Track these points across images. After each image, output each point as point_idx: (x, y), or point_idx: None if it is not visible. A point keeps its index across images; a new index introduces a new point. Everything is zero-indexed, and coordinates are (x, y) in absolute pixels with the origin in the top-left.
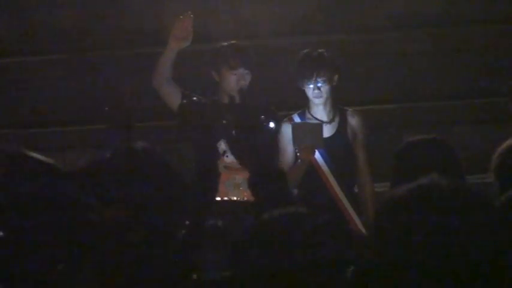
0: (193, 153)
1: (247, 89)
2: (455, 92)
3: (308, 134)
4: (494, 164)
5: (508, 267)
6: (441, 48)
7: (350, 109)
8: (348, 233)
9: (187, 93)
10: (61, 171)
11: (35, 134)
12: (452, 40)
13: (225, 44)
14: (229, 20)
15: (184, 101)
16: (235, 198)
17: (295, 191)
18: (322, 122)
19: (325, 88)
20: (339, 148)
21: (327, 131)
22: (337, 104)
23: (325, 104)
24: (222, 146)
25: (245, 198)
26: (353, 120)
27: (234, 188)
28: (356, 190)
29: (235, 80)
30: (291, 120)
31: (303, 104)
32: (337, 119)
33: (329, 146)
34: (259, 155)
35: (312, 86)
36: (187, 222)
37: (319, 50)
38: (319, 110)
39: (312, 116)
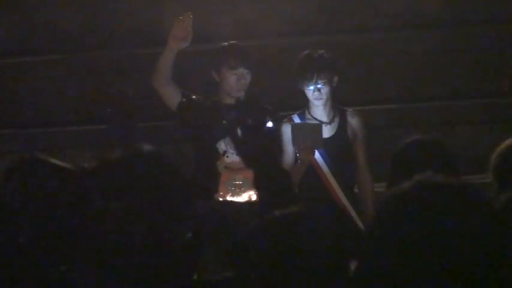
0: (193, 153)
1: (248, 89)
2: (456, 92)
3: (308, 134)
4: (493, 164)
5: (507, 266)
6: (441, 48)
7: (350, 109)
8: (350, 231)
9: (188, 93)
10: (77, 175)
11: (35, 134)
12: (452, 40)
13: (225, 44)
14: (229, 20)
15: (183, 100)
16: (235, 198)
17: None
18: (322, 122)
19: (325, 90)
20: (338, 148)
21: (327, 132)
22: (337, 104)
23: (325, 104)
24: (222, 146)
25: (245, 199)
26: (353, 121)
27: (234, 188)
28: (356, 190)
29: (235, 80)
30: (290, 120)
31: (302, 104)
32: (337, 120)
33: (329, 146)
34: (264, 154)
35: (312, 88)
36: (189, 235)
37: (319, 52)
38: (319, 111)
39: (312, 116)
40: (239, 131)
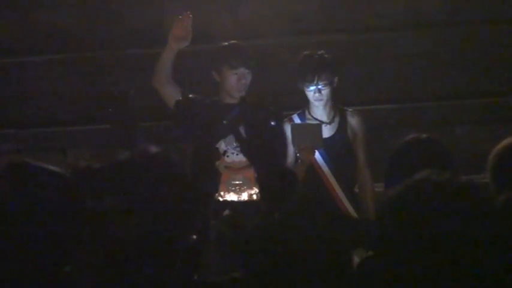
0: (192, 153)
1: (248, 89)
2: (456, 92)
3: (308, 134)
4: (490, 165)
5: (506, 264)
6: (441, 48)
7: (350, 109)
8: (352, 228)
9: (188, 92)
10: (66, 179)
11: (35, 134)
12: (453, 40)
13: (226, 43)
14: (230, 19)
15: (180, 99)
16: (236, 198)
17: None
18: (322, 122)
19: (326, 91)
20: (338, 148)
21: (327, 131)
22: (337, 104)
23: (325, 104)
24: (223, 146)
25: (246, 198)
26: (353, 120)
27: (234, 188)
28: (356, 190)
29: (236, 80)
30: (290, 120)
31: (302, 104)
32: (337, 119)
33: (329, 146)
34: (268, 153)
35: (313, 89)
36: (194, 237)
37: (320, 52)
38: (319, 111)
39: (312, 116)
40: (243, 130)
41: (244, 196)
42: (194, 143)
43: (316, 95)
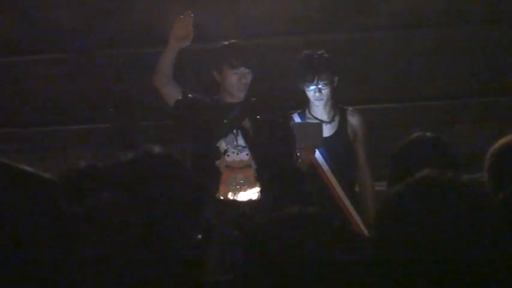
0: (192, 153)
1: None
2: (456, 92)
3: (308, 133)
4: (487, 164)
5: (505, 263)
6: (441, 48)
7: (350, 108)
8: (354, 235)
9: (188, 92)
10: (44, 180)
11: (35, 133)
12: (452, 40)
13: (226, 43)
14: (230, 19)
15: (180, 99)
16: (236, 197)
17: None
18: (322, 121)
19: (326, 90)
20: (339, 147)
21: (327, 131)
22: (337, 103)
23: (325, 104)
24: (223, 145)
25: (247, 197)
26: (353, 120)
27: (235, 187)
28: (357, 189)
29: (236, 79)
30: (291, 120)
31: (302, 103)
32: (337, 119)
33: (329, 146)
34: (277, 151)
35: (313, 88)
36: (199, 236)
37: (320, 52)
38: (319, 110)
39: (312, 115)
40: (251, 128)
41: (245, 195)
42: (194, 143)
43: (317, 94)
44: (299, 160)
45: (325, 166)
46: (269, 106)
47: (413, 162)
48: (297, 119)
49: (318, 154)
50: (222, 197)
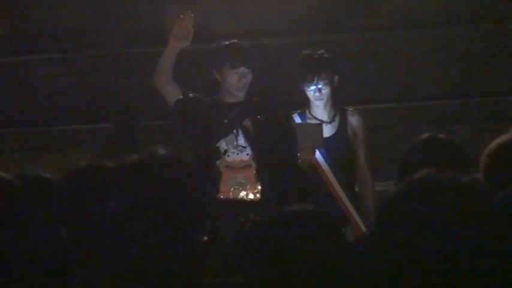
0: (192, 152)
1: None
2: (456, 92)
3: (308, 134)
4: (483, 164)
5: (504, 261)
6: (441, 48)
7: (350, 108)
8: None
9: (188, 92)
10: (13, 186)
11: (35, 133)
12: (452, 40)
13: (226, 43)
14: (230, 19)
15: (180, 98)
16: (237, 197)
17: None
18: (323, 121)
19: (326, 90)
20: (339, 147)
21: (327, 131)
22: (337, 103)
23: (325, 104)
24: (223, 145)
25: (247, 197)
26: (353, 120)
27: (235, 187)
28: (357, 189)
29: (236, 79)
30: (291, 120)
31: (303, 103)
32: (337, 119)
33: (329, 146)
34: (278, 151)
35: (313, 88)
36: (205, 238)
37: (320, 52)
38: (320, 110)
39: (312, 115)
40: (254, 128)
41: (245, 195)
42: (194, 143)
43: (317, 94)
44: (299, 160)
45: (325, 166)
46: (270, 106)
47: (423, 162)
48: (297, 119)
49: (318, 154)
50: (222, 197)
